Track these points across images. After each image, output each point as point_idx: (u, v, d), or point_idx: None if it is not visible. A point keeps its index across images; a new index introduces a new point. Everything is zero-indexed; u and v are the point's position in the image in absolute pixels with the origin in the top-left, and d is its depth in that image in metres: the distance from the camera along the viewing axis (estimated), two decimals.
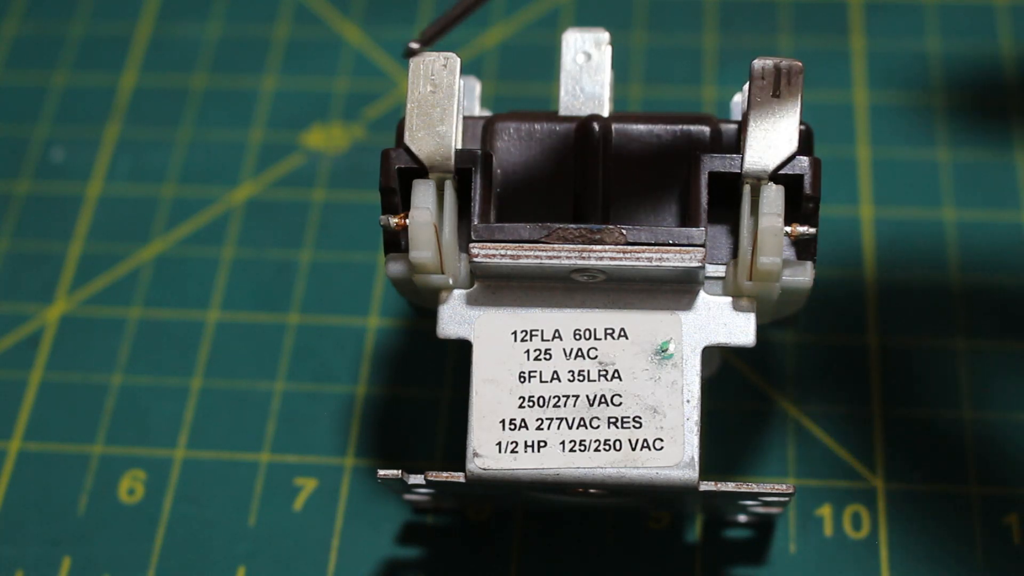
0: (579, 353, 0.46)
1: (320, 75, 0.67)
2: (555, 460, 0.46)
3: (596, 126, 0.48)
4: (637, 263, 0.46)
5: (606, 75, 0.49)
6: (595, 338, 0.46)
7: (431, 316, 0.49)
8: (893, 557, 0.52)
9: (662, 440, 0.45)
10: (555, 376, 0.46)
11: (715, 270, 0.47)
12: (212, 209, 0.63)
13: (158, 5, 0.70)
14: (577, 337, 0.47)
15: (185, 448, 0.57)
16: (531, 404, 0.46)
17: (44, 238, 0.63)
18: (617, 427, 0.46)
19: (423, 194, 0.46)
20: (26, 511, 0.56)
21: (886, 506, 0.53)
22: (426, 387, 0.57)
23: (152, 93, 0.67)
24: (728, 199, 0.47)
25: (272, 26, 0.69)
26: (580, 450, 0.46)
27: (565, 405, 0.46)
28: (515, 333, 0.47)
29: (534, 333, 0.46)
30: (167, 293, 0.61)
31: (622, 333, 0.46)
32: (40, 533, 0.55)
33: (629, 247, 0.46)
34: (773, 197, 0.46)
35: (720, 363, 0.55)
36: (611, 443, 0.45)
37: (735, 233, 0.47)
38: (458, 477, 0.47)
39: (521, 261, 0.46)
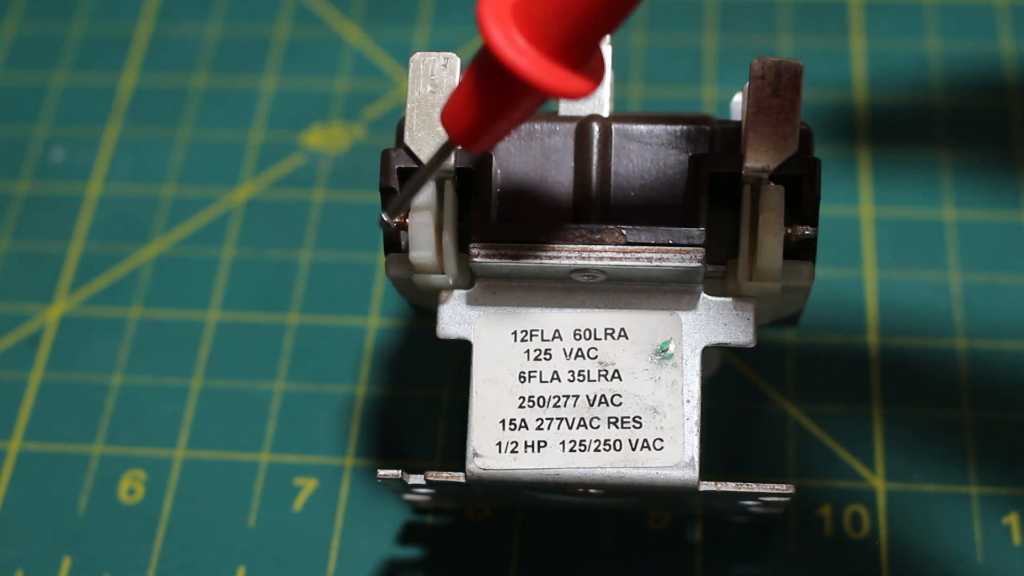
0: (579, 353, 0.46)
1: (320, 75, 0.67)
2: (555, 460, 0.46)
3: (596, 126, 0.48)
4: (637, 263, 0.46)
5: (606, 75, 0.49)
6: (595, 338, 0.46)
7: (431, 316, 0.49)
8: (893, 557, 0.52)
9: (662, 440, 0.45)
10: (555, 376, 0.46)
11: (715, 270, 0.47)
12: (212, 209, 0.63)
13: (158, 5, 0.70)
14: (577, 337, 0.46)
15: (185, 448, 0.57)
16: (531, 404, 0.46)
17: (44, 238, 0.63)
18: (617, 427, 0.46)
19: (423, 194, 0.46)
20: (26, 511, 0.56)
21: (886, 506, 0.53)
22: (426, 387, 0.57)
23: (152, 93, 0.67)
24: (728, 199, 0.47)
25: (272, 26, 0.69)
26: (580, 450, 0.45)
27: (565, 405, 0.46)
28: (515, 333, 0.47)
29: (534, 333, 0.46)
30: (167, 293, 0.61)
31: (622, 333, 0.46)
32: (40, 533, 0.55)
33: (629, 247, 0.46)
34: (773, 197, 0.46)
35: (720, 363, 0.55)
36: (611, 443, 0.45)
37: (735, 233, 0.47)
38: (458, 477, 0.47)
39: (521, 261, 0.46)
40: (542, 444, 0.46)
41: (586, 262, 0.46)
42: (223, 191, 0.64)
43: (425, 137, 0.46)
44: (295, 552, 0.54)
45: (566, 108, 0.49)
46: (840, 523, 0.53)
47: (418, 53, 0.47)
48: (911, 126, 0.62)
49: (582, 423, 0.46)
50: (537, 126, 0.48)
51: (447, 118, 0.41)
